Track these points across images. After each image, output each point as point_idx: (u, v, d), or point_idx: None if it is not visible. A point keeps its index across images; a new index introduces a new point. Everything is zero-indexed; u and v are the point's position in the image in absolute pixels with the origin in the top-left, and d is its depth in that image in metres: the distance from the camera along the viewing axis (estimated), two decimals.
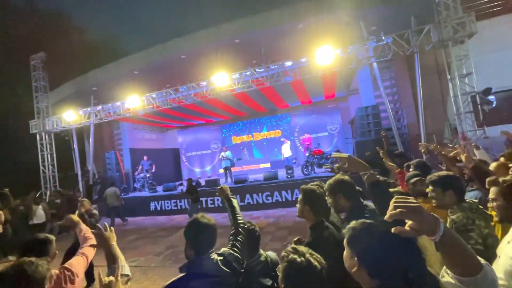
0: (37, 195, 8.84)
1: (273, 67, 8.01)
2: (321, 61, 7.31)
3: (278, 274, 1.07)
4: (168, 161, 15.51)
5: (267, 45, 8.47)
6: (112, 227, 1.58)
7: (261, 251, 1.64)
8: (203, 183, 10.00)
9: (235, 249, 1.48)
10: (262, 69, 8.11)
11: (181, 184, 10.28)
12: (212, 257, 1.35)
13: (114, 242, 1.52)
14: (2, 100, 14.69)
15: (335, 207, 1.71)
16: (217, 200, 9.09)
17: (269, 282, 1.49)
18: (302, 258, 1.01)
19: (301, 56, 7.83)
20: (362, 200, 1.70)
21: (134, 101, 9.30)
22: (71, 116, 10.35)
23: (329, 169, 2.04)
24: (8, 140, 15.33)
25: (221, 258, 1.38)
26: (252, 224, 1.65)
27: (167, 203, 9.80)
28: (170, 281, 1.27)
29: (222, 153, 10.77)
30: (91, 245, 1.78)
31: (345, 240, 0.89)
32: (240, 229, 1.63)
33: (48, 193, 11.07)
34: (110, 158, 12.15)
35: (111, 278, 1.08)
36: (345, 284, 1.42)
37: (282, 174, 9.62)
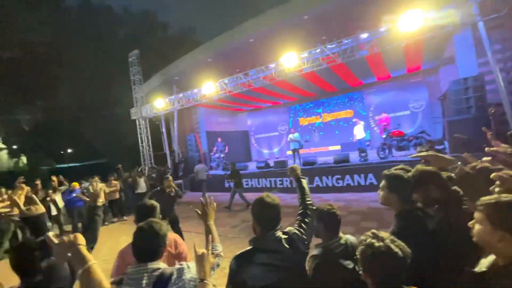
0: (139, 170, 10.84)
1: (346, 41, 7.37)
2: (406, 28, 6.31)
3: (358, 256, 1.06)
4: (239, 143, 16.51)
5: (338, 17, 7.77)
6: (212, 202, 1.79)
7: (341, 234, 1.63)
8: (272, 164, 10.33)
9: (301, 229, 1.51)
10: (334, 45, 7.57)
11: (267, 164, 10.51)
12: (277, 234, 1.40)
13: (211, 221, 1.72)
14: (109, 92, 18.11)
15: (425, 200, 1.55)
16: (286, 180, 9.30)
17: (350, 265, 1.49)
18: (381, 243, 0.99)
19: (379, 26, 6.92)
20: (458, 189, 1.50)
21: (209, 87, 10.11)
22: (160, 104, 12.03)
23: (422, 154, 1.79)
24: (115, 125, 18.96)
25: (286, 236, 1.42)
26: (333, 207, 1.64)
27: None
28: (239, 252, 1.40)
29: (290, 135, 10.76)
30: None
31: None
32: (308, 211, 1.64)
33: (146, 168, 13.38)
34: (191, 140, 13.74)
35: (204, 250, 1.22)
36: (435, 274, 1.30)
37: (354, 157, 9.07)
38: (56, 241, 1.03)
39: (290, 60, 7.87)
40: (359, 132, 10.39)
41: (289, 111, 15.92)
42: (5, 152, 22.57)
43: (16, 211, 5.06)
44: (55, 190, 7.46)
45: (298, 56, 7.87)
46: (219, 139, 13.15)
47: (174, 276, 1.21)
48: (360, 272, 1.06)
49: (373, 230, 1.08)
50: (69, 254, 1.01)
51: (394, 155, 8.35)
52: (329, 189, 8.32)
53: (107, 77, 18.72)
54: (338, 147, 12.24)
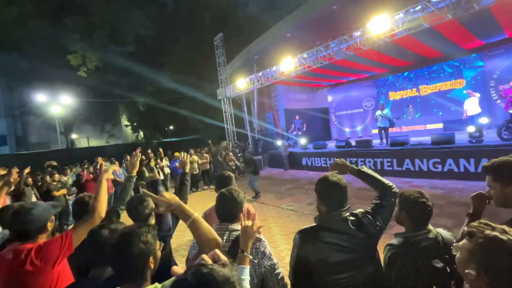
0: (224, 146, 12.02)
1: None
2: None
3: (456, 253, 0.89)
4: (318, 120, 15.91)
5: None
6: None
7: (431, 227, 1.42)
8: (353, 144, 9.62)
9: (374, 212, 1.41)
10: None
11: (348, 143, 9.70)
12: (343, 215, 1.36)
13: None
14: (200, 75, 20.18)
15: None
16: (369, 161, 8.54)
17: (439, 264, 1.28)
18: (508, 236, 0.78)
19: None
20: None
21: (287, 63, 9.95)
22: (241, 84, 12.69)
23: None
24: (206, 105, 21.19)
25: (353, 218, 1.36)
26: (422, 195, 1.42)
27: (317, 160, 10.36)
28: (304, 227, 1.43)
29: (379, 111, 9.62)
30: None
31: None
32: (387, 195, 1.48)
33: (230, 144, 14.71)
34: (269, 118, 14.14)
35: (250, 222, 1.27)
36: None
37: (461, 138, 7.43)
38: (162, 199, 1.28)
39: (381, 24, 6.79)
40: (472, 106, 8.40)
41: (377, 84, 14.09)
42: (129, 128, 28.86)
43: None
44: (162, 160, 9.16)
45: (391, 18, 6.70)
46: (297, 117, 13.02)
47: None
48: (469, 271, 0.82)
49: (485, 221, 0.88)
50: (173, 208, 1.23)
51: None
52: (423, 174, 7.20)
53: (198, 60, 20.83)
54: (439, 126, 10.22)
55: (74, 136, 25.28)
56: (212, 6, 22.58)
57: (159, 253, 1.04)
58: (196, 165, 9.51)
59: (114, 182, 7.58)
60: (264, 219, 5.54)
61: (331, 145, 10.99)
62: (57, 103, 18.42)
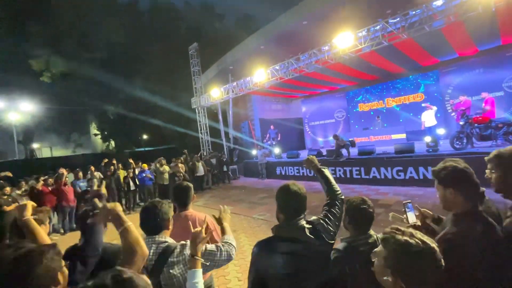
0: (198, 155, 11.82)
1: (414, 12, 6.34)
2: None
3: (374, 259, 0.92)
4: (293, 130, 16.28)
5: None
6: (227, 210, 1.92)
7: (372, 233, 1.48)
8: (324, 153, 9.93)
9: (327, 219, 1.42)
10: (398, 19, 6.61)
11: (320, 152, 10.36)
12: (301, 223, 1.35)
13: (225, 223, 1.83)
14: (174, 84, 19.92)
15: (501, 186, 1.28)
16: (339, 170, 8.84)
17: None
18: (415, 239, 0.82)
19: None
20: None
21: (260, 75, 10.16)
22: (216, 93, 12.69)
23: None
24: (180, 114, 20.84)
25: (310, 226, 1.36)
26: (364, 202, 1.49)
27: (291, 169, 10.53)
28: (262, 239, 1.40)
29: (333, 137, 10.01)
30: None
31: None
32: (336, 201, 1.52)
33: (204, 153, 14.49)
34: (244, 128, 14.20)
35: (198, 228, 1.32)
36: None
37: (420, 147, 7.98)
38: (100, 205, 1.27)
39: (345, 40, 7.23)
40: (429, 118, 9.14)
41: (347, 96, 14.83)
42: (99, 137, 27.40)
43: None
44: (134, 170, 8.78)
45: (354, 35, 7.17)
46: (272, 127, 13.22)
47: (177, 250, 1.35)
48: (387, 278, 0.86)
49: (396, 226, 0.92)
50: (110, 217, 1.22)
51: (476, 146, 7.01)
52: (388, 182, 7.59)
53: (173, 69, 20.58)
54: (402, 136, 10.92)
55: (35, 145, 23.43)
56: (188, 16, 22.65)
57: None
58: (166, 175, 9.21)
59: (76, 194, 7.09)
60: (234, 229, 5.46)
61: (304, 154, 11.26)
62: (15, 110, 17.07)
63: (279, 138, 12.97)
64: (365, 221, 1.47)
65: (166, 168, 9.36)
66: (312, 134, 16.51)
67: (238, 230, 5.45)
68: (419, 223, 1.47)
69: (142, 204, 8.49)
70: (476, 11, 5.70)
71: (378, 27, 6.90)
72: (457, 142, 6.97)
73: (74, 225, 7.01)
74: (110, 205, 1.25)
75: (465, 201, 1.20)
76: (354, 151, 9.35)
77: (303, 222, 1.37)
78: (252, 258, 1.39)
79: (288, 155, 11.20)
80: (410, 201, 1.56)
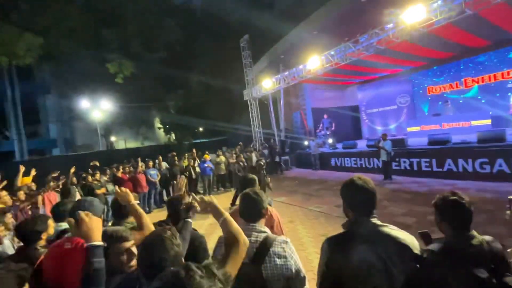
0: (251, 146, 12.10)
1: None
2: None
3: None
4: (348, 119, 15.31)
5: None
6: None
7: (474, 233, 1.26)
8: None
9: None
10: None
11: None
12: (373, 221, 1.26)
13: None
14: (227, 77, 20.55)
15: None
16: (404, 162, 7.99)
17: (483, 274, 1.14)
18: None
19: None
20: None
21: (314, 62, 9.71)
22: (267, 84, 12.67)
23: None
24: (234, 106, 21.52)
25: (381, 224, 1.27)
26: (455, 195, 1.28)
27: (347, 160, 9.97)
28: (333, 235, 1.35)
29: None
30: None
31: None
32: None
33: (257, 144, 14.75)
34: (296, 118, 13.92)
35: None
36: None
37: None
38: (198, 199, 1.45)
39: (415, 14, 6.32)
40: None
41: (413, 79, 13.16)
42: (162, 130, 30.39)
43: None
44: (194, 160, 9.47)
45: (426, 6, 6.21)
46: (325, 116, 12.66)
47: (277, 242, 1.37)
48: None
49: None
50: (208, 209, 1.37)
51: None
52: (468, 176, 6.56)
53: (225, 63, 21.27)
54: (487, 122, 9.23)
55: (113, 138, 27.30)
56: (238, 8, 22.95)
57: None
58: (223, 166, 9.67)
59: (148, 182, 8.00)
60: (291, 220, 5.45)
61: (362, 144, 10.49)
62: (98, 108, 20.05)
63: (333, 128, 12.37)
64: (461, 219, 1.26)
65: (222, 158, 9.84)
66: (370, 122, 15.24)
67: (295, 221, 5.42)
68: None
69: (201, 193, 9.11)
70: None
71: None
72: None
73: (147, 208, 7.96)
74: (206, 198, 1.39)
75: None
76: (423, 141, 8.32)
77: (375, 220, 1.27)
78: (323, 254, 1.34)
79: (344, 146, 10.60)
80: None
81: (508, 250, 0.82)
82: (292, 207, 6.49)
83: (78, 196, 5.74)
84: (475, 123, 9.49)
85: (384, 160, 7.77)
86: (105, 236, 1.25)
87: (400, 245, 1.20)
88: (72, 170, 6.71)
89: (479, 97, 10.88)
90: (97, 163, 8.77)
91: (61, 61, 21.22)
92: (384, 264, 1.18)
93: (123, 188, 1.78)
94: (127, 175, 7.79)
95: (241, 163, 8.99)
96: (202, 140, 27.99)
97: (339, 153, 10.47)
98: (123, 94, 22.59)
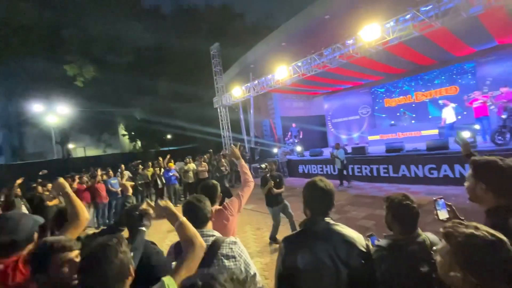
0: (221, 154, 11.97)
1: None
2: None
3: (437, 258, 0.88)
4: (315, 128, 15.97)
5: None
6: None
7: (420, 231, 1.40)
8: (349, 150, 9.61)
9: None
10: (430, 6, 6.20)
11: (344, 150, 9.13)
12: (327, 219, 1.34)
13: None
14: (196, 84, 20.37)
15: None
16: (365, 168, 8.52)
17: (424, 268, 1.26)
18: (482, 232, 0.79)
19: None
20: None
21: (282, 72, 10.05)
22: (237, 92, 12.77)
23: None
24: (203, 114, 21.24)
25: (334, 223, 1.35)
26: (407, 198, 1.41)
27: (314, 167, 10.34)
28: (289, 234, 1.42)
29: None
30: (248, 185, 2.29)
31: None
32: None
33: (227, 152, 14.64)
34: (266, 126, 14.16)
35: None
36: None
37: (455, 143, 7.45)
38: (153, 204, 1.47)
39: (371, 32, 6.92)
40: (449, 115, 8.78)
41: (372, 91, 14.24)
42: (126, 137, 28.79)
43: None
44: (160, 169, 9.08)
45: (381, 26, 6.83)
46: (294, 124, 13.06)
47: (226, 244, 1.39)
48: (455, 274, 0.81)
49: (459, 221, 0.88)
50: (164, 214, 1.33)
51: None
52: (419, 180, 7.17)
53: (195, 70, 21.07)
54: (435, 131, 10.27)
55: (71, 146, 25.15)
56: (209, 17, 23.06)
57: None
58: (191, 174, 9.43)
59: (108, 192, 7.48)
60: (259, 227, 5.46)
61: (327, 152, 10.98)
62: (53, 113, 18.42)
63: (301, 136, 12.79)
64: (410, 218, 1.38)
65: (191, 166, 9.59)
66: (335, 131, 16.07)
67: (263, 227, 5.44)
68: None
69: None
70: None
71: (408, 16, 6.51)
72: (499, 138, 6.42)
73: (107, 220, 7.41)
74: (162, 202, 1.35)
75: (498, 197, 1.20)
76: (381, 149, 8.96)
77: (329, 219, 1.35)
78: (280, 253, 1.38)
79: (311, 153, 11.00)
80: (442, 197, 1.49)
81: (434, 248, 0.93)
82: (260, 214, 6.51)
83: (24, 209, 5.17)
84: (424, 132, 10.51)
85: (339, 168, 8.23)
86: (45, 246, 1.14)
87: (348, 242, 1.27)
88: (19, 181, 6.03)
89: (429, 110, 12.11)
90: (45, 172, 8.01)
91: (10, 60, 19.23)
92: (333, 260, 1.24)
93: (59, 179, 1.70)
94: (84, 185, 7.22)
95: (222, 168, 9.04)
96: (170, 148, 27.06)
97: (306, 161, 10.83)
98: (84, 98, 21.10)
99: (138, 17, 23.60)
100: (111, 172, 7.99)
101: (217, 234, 1.48)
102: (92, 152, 26.09)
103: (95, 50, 21.41)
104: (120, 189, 7.77)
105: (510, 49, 9.60)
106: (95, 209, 7.21)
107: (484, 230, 0.80)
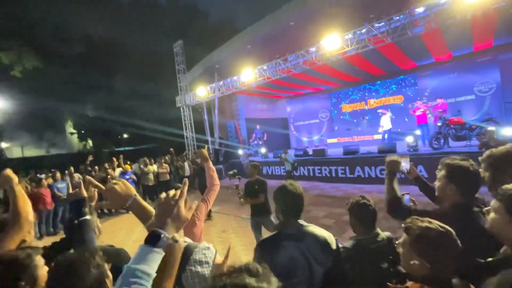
0: (184, 155, 11.60)
1: (397, 18, 6.61)
2: None
3: (400, 250, 1.02)
4: (278, 130, 16.40)
5: None
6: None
7: (379, 230, 1.54)
8: (310, 153, 10.11)
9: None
10: (382, 23, 6.87)
11: (306, 152, 10.23)
12: (300, 222, 1.41)
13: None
14: (157, 82, 19.41)
15: (493, 185, 1.37)
16: (325, 169, 9.03)
17: (384, 265, 1.40)
18: (435, 225, 0.96)
19: None
20: None
21: (247, 74, 10.14)
22: (201, 92, 12.51)
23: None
24: (164, 113, 20.32)
25: (309, 224, 1.42)
26: (364, 199, 1.56)
27: (277, 168, 10.62)
28: (265, 237, 1.46)
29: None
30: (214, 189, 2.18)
31: None
32: None
33: (190, 153, 14.24)
34: (231, 127, 14.12)
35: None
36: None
37: (402, 146, 8.35)
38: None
39: (332, 42, 7.40)
40: (386, 123, 10.07)
41: (331, 97, 15.18)
42: (75, 136, 26.08)
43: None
44: (114, 170, 8.43)
45: (341, 37, 7.35)
46: (258, 126, 13.24)
47: (198, 249, 1.32)
48: (414, 261, 0.97)
49: (417, 217, 1.04)
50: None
51: (452, 146, 7.46)
52: (372, 180, 7.86)
53: (156, 67, 20.04)
54: (385, 136, 11.35)
55: (4, 145, 21.86)
56: (171, 13, 22.16)
57: None
58: (151, 176, 8.96)
59: (54, 198, 6.71)
60: (224, 229, 5.43)
61: (290, 153, 11.38)
62: None
63: (265, 138, 13.02)
64: (369, 217, 1.52)
65: (151, 168, 9.10)
66: (297, 134, 16.73)
67: (228, 230, 5.42)
68: None
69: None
70: (453, 18, 6.05)
71: (364, 30, 7.12)
72: (435, 142, 7.37)
73: (52, 229, 6.64)
74: (108, 185, 1.10)
75: (461, 196, 1.33)
76: (339, 151, 9.60)
77: (302, 221, 1.42)
78: (255, 256, 1.39)
79: (274, 155, 11.27)
80: (408, 193, 1.67)
81: (396, 242, 1.08)
82: (225, 216, 6.47)
83: None
84: (376, 136, 11.54)
85: (288, 170, 8.63)
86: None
87: (321, 242, 1.35)
88: None
89: (379, 116, 13.33)
90: None
91: None
92: (307, 260, 1.31)
93: (6, 170, 1.47)
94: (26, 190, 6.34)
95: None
96: (126, 148, 25.24)
97: (270, 162, 11.07)
98: (23, 90, 18.54)
99: (89, 3, 21.60)
100: (58, 175, 7.17)
101: (188, 240, 1.43)
102: (31, 152, 23.02)
103: (38, 35, 18.97)
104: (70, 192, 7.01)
105: (444, 66, 11.10)
106: (37, 217, 6.39)
107: (436, 223, 0.97)
